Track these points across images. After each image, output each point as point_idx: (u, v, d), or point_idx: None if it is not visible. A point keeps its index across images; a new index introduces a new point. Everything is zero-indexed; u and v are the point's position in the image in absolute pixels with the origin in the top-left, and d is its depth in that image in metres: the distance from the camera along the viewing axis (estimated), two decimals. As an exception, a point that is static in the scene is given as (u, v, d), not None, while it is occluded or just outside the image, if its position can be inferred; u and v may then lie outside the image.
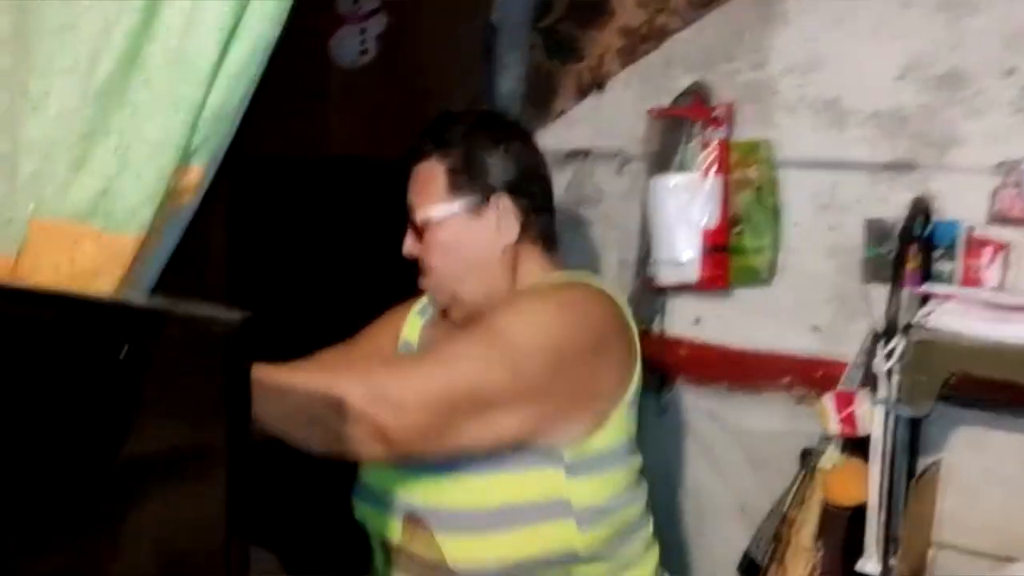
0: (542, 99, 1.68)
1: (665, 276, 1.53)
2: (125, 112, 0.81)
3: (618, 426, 1.12)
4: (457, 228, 1.13)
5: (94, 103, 0.80)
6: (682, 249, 1.51)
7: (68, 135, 0.80)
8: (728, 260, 1.52)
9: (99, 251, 0.79)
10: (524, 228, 1.16)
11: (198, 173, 0.87)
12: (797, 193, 1.51)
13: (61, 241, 0.80)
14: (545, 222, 1.19)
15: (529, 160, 1.19)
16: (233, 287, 1.82)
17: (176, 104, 0.82)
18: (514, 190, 1.15)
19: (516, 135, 1.20)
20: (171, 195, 0.85)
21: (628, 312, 1.18)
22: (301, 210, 1.93)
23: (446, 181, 1.14)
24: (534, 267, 1.18)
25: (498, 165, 1.14)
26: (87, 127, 0.80)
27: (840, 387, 1.31)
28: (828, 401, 1.25)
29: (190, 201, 0.88)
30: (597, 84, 1.64)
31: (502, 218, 1.14)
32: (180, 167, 0.84)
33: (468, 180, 1.13)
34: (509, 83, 1.71)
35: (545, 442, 1.06)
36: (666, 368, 1.61)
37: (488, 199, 1.14)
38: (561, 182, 1.68)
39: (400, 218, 1.18)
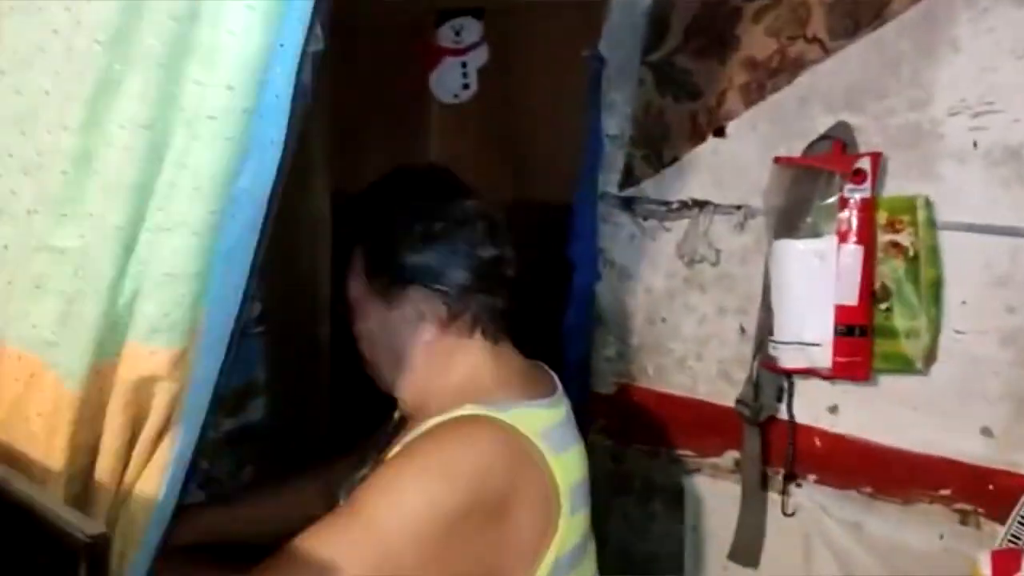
0: (652, 142, 1.46)
1: (789, 359, 1.27)
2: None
3: None
4: (376, 316, 1.01)
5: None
6: (810, 329, 1.25)
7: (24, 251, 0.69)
8: (870, 345, 1.24)
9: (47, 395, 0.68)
10: (451, 320, 0.99)
11: (168, 356, 0.69)
12: (964, 263, 1.21)
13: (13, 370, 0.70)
14: (484, 311, 1.00)
15: (461, 242, 0.99)
16: (338, 342, 1.73)
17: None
18: (434, 280, 0.98)
19: (447, 213, 0.99)
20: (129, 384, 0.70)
21: (549, 444, 0.93)
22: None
23: (363, 262, 1.01)
24: (468, 363, 1.00)
25: (414, 252, 0.98)
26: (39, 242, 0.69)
27: (1004, 540, 1.01)
28: (984, 565, 0.96)
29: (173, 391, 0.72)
30: (716, 126, 1.40)
31: (417, 311, 0.99)
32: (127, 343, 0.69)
33: (382, 265, 0.99)
34: (615, 124, 1.50)
35: None
36: (794, 461, 1.35)
37: (404, 288, 0.98)
38: (672, 238, 1.46)
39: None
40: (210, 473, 2.09)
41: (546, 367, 1.09)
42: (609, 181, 1.52)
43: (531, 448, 0.91)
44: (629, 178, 1.50)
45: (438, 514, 0.84)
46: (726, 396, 1.41)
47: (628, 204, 1.50)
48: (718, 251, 1.41)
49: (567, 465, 0.94)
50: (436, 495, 0.85)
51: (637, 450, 1.53)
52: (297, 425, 1.79)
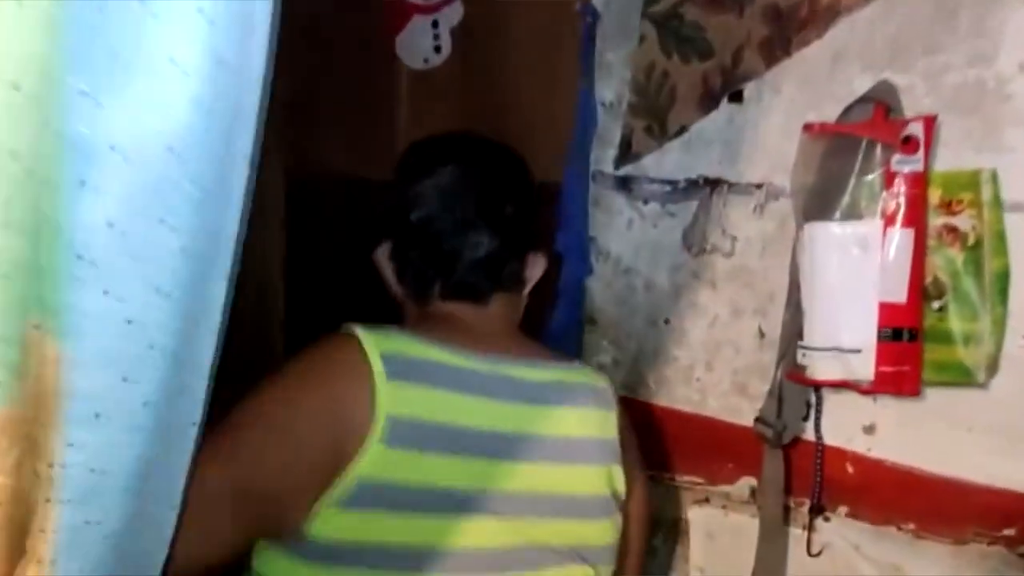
0: (655, 110, 1.23)
1: (822, 369, 1.05)
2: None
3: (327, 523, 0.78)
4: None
5: None
6: (849, 332, 1.02)
7: None
8: (921, 352, 1.02)
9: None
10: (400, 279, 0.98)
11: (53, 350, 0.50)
12: (1039, 253, 0.99)
13: None
14: (412, 270, 0.97)
15: (403, 198, 0.97)
16: (292, 321, 1.59)
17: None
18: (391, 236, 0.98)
19: (409, 167, 0.99)
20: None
21: (390, 369, 0.81)
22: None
23: None
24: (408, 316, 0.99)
25: (385, 205, 1.00)
26: None
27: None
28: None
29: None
30: (732, 90, 1.17)
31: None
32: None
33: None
34: (611, 89, 1.27)
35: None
36: (822, 491, 1.13)
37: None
38: (677, 224, 1.24)
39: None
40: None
41: (539, 347, 0.99)
42: (603, 158, 1.29)
43: (362, 362, 0.81)
44: (627, 154, 1.27)
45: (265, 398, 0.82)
46: (742, 413, 1.19)
47: (625, 184, 1.28)
48: (733, 239, 1.19)
49: (411, 398, 0.82)
50: (267, 383, 0.83)
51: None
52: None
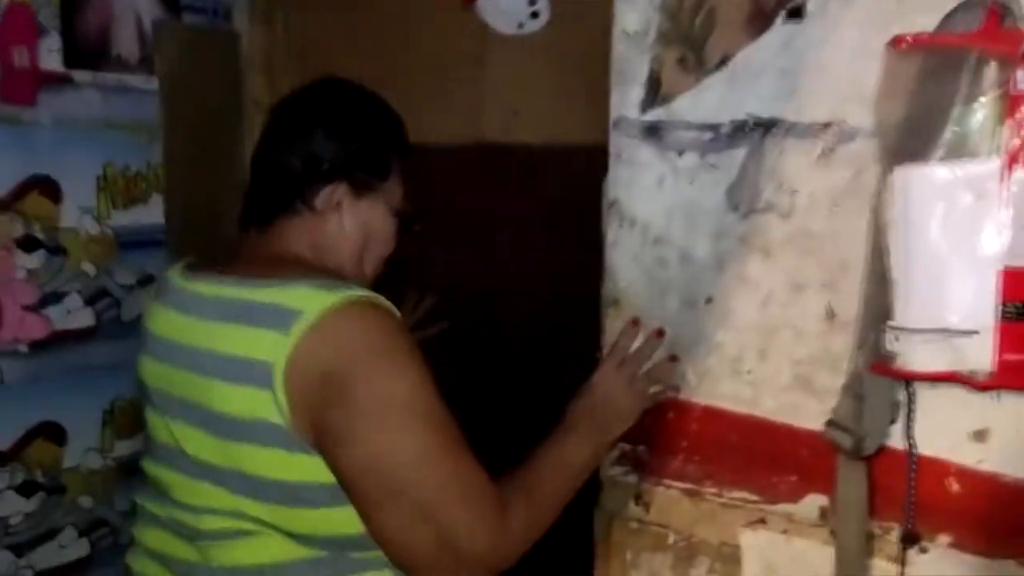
0: (690, 37, 0.98)
1: (920, 358, 0.80)
2: None
3: None
4: None
5: None
6: (958, 308, 0.77)
7: None
8: (1058, 333, 0.76)
9: None
10: None
11: None
12: None
13: None
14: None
15: None
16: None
17: None
18: None
19: None
20: None
21: (159, 300, 1.07)
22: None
23: None
24: None
25: None
26: None
27: None
28: None
29: None
30: (790, 6, 0.92)
31: None
32: None
33: None
34: (637, 15, 1.02)
35: None
36: (917, 514, 0.88)
37: None
38: (720, 179, 0.99)
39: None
40: (96, 514, 1.65)
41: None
42: (626, 100, 1.05)
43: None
44: (656, 94, 1.02)
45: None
46: (806, 414, 0.94)
47: (654, 132, 1.03)
48: (792, 195, 0.94)
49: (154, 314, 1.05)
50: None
51: (672, 490, 1.06)
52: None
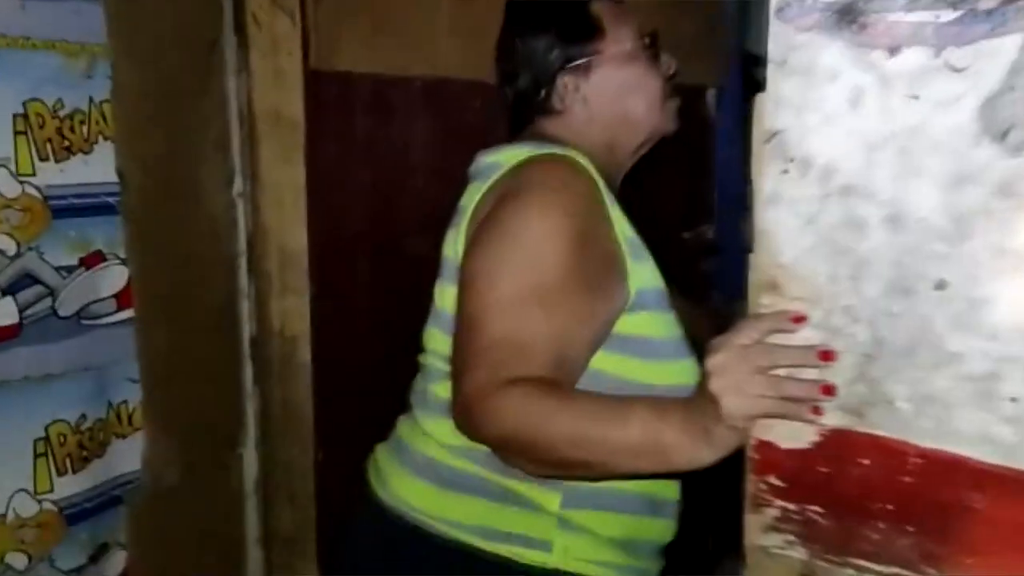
0: None
1: None
2: None
3: None
4: None
5: None
6: None
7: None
8: None
9: None
10: None
11: None
12: None
13: None
14: None
15: None
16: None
17: None
18: None
19: None
20: None
21: None
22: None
23: None
24: None
25: None
26: None
27: None
28: None
29: None
30: None
31: None
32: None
33: None
34: None
35: None
36: None
37: None
38: (966, 88, 0.61)
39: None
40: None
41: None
42: (797, -30, 0.66)
43: None
44: (851, -44, 0.64)
45: None
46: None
47: (848, 16, 0.65)
48: None
49: None
50: None
51: (862, 571, 0.70)
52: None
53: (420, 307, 1.00)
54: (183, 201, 1.45)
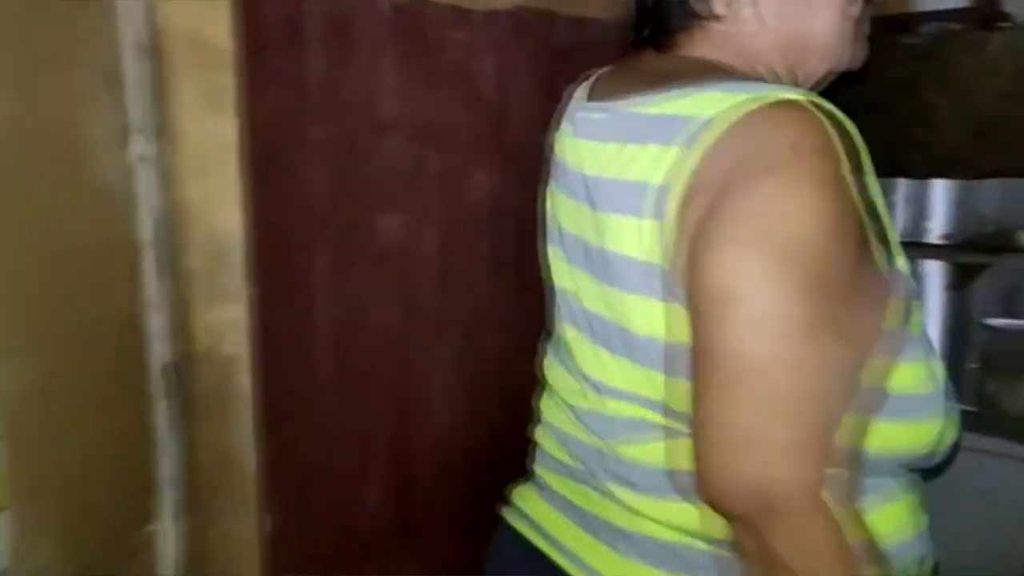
0: None
1: None
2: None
3: None
4: None
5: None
6: None
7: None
8: None
9: None
10: None
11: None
12: None
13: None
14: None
15: None
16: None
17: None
18: None
19: None
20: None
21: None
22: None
23: None
24: None
25: None
26: None
27: None
28: None
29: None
30: None
31: None
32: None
33: None
34: None
35: None
36: None
37: None
38: None
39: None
40: None
41: None
42: None
43: None
44: None
45: None
46: None
47: None
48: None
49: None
50: None
51: None
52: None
53: (404, 314, 0.69)
54: (52, 166, 0.97)
